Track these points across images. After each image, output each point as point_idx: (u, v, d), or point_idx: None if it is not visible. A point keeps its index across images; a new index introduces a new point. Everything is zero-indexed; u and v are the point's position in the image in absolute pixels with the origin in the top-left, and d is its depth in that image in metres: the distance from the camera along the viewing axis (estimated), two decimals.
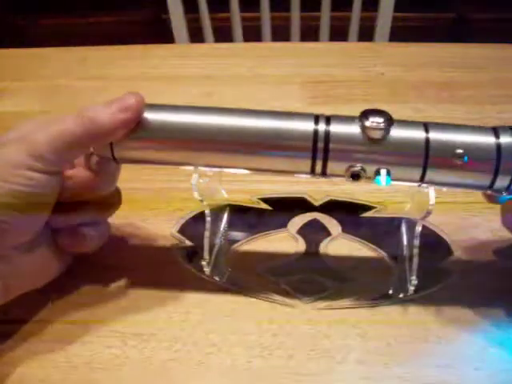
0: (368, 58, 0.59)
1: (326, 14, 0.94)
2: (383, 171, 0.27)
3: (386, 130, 0.27)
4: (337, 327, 0.30)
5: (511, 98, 0.51)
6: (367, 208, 0.37)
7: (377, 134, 0.27)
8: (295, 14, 0.94)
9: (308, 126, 0.28)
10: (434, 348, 0.28)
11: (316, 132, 0.27)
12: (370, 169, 0.27)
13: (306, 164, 0.28)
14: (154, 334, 0.30)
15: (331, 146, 0.27)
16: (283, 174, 0.30)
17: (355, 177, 0.28)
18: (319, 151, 0.27)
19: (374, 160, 0.27)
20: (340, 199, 0.38)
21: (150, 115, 0.29)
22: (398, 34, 0.85)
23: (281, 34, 0.95)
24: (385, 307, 0.31)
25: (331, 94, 0.53)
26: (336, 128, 0.28)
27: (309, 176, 0.29)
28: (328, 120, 0.28)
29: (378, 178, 0.27)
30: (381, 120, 0.27)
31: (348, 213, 0.37)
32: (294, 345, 0.29)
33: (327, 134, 0.27)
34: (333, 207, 0.38)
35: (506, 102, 0.50)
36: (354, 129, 0.27)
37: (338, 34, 0.91)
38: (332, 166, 0.28)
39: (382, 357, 0.28)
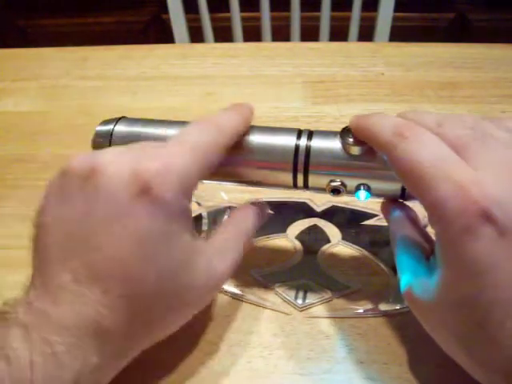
0: (368, 58, 0.59)
1: (326, 14, 0.94)
2: (363, 187, 0.28)
3: (366, 146, 0.27)
4: (337, 327, 0.30)
5: (511, 98, 0.51)
6: (369, 216, 0.37)
7: (356, 151, 0.27)
8: (295, 14, 0.94)
9: (290, 140, 0.28)
10: (433, 348, 0.28)
11: (297, 147, 0.28)
12: (351, 184, 0.28)
13: (288, 178, 0.29)
14: None
15: (311, 160, 0.28)
16: (267, 187, 0.30)
17: (335, 192, 0.28)
18: (300, 166, 0.28)
19: (354, 175, 0.28)
20: (342, 206, 0.38)
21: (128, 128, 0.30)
22: (398, 34, 0.85)
23: (281, 33, 0.95)
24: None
25: (331, 94, 0.53)
26: (317, 143, 0.28)
27: (292, 190, 0.29)
28: (310, 135, 0.28)
29: (357, 193, 0.28)
30: None
31: (349, 220, 0.37)
32: (294, 345, 0.29)
33: (308, 149, 0.28)
34: (334, 213, 0.37)
35: (507, 102, 0.50)
36: (334, 144, 0.28)
37: (338, 33, 0.91)
38: (313, 181, 0.28)
39: (382, 357, 0.28)
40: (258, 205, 0.31)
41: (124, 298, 0.22)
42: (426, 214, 0.27)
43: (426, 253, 0.26)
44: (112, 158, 0.24)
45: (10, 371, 0.19)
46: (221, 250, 0.27)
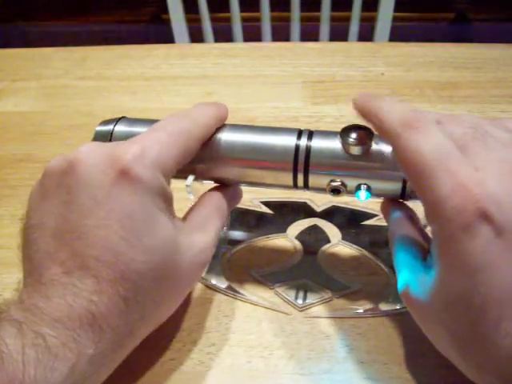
0: (368, 58, 0.59)
1: (326, 14, 0.94)
2: (363, 186, 0.28)
3: (366, 146, 0.27)
4: (337, 327, 0.30)
5: (511, 98, 0.51)
6: (369, 216, 0.37)
7: (357, 150, 0.27)
8: (295, 14, 0.94)
9: (290, 140, 0.28)
10: (433, 348, 0.28)
11: (297, 147, 0.28)
12: (351, 184, 0.28)
13: (288, 178, 0.29)
14: (154, 334, 0.29)
15: (311, 161, 0.28)
16: (267, 187, 0.30)
17: (335, 191, 0.28)
18: (300, 166, 0.28)
19: (354, 175, 0.28)
20: (342, 206, 0.38)
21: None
22: (398, 34, 0.86)
23: (281, 34, 0.95)
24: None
25: (331, 94, 0.53)
26: (317, 143, 0.28)
27: (292, 190, 0.29)
28: (311, 135, 0.28)
29: (358, 193, 0.28)
30: (361, 136, 0.27)
31: (349, 220, 0.37)
32: (294, 345, 0.29)
33: (308, 149, 0.28)
34: (334, 213, 0.37)
35: (506, 102, 0.50)
36: (334, 144, 0.28)
37: (338, 33, 0.91)
38: (313, 181, 0.28)
39: (382, 357, 0.28)
40: (232, 187, 0.31)
41: (115, 282, 0.22)
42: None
43: (424, 253, 0.26)
44: (88, 151, 0.24)
45: (2, 365, 0.19)
46: (199, 226, 0.27)
